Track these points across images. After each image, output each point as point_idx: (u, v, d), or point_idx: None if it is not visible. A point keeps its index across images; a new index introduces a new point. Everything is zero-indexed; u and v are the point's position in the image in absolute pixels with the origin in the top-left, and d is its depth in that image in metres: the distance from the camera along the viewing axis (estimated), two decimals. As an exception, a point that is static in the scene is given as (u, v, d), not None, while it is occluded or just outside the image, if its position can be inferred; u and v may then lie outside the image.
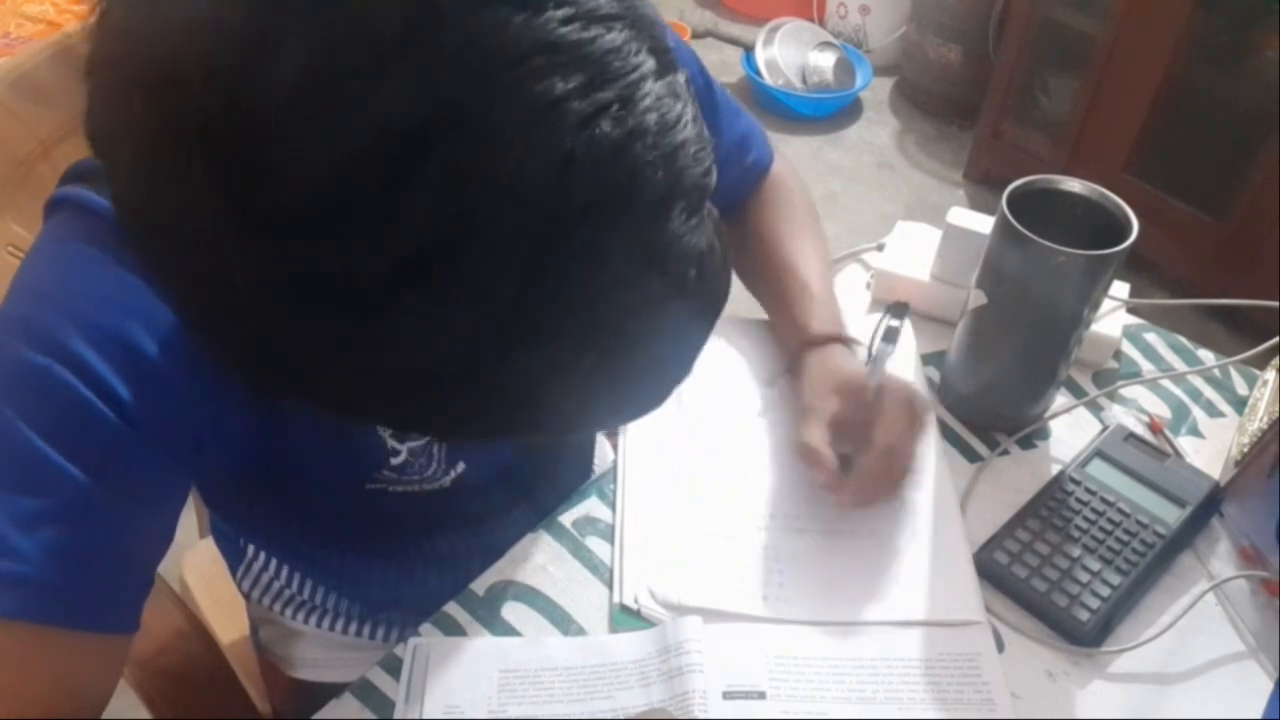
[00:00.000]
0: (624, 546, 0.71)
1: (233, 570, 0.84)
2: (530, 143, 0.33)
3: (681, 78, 0.39)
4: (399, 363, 0.37)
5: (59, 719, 0.51)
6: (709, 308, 0.42)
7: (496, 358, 0.36)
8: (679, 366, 0.43)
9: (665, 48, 0.38)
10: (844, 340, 0.77)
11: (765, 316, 0.87)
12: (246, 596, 0.85)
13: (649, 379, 0.42)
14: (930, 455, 0.78)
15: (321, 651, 0.84)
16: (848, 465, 0.72)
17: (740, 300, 0.87)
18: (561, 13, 0.34)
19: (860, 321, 0.92)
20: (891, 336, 0.79)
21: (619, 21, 0.36)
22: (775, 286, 0.82)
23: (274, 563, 0.81)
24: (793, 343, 0.79)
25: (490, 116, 0.33)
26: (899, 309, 0.79)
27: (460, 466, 0.68)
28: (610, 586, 0.70)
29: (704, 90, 0.78)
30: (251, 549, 0.81)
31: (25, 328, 0.49)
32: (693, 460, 0.77)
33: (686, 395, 0.81)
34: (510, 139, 0.33)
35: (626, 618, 0.68)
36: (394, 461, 0.64)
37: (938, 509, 0.75)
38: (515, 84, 0.33)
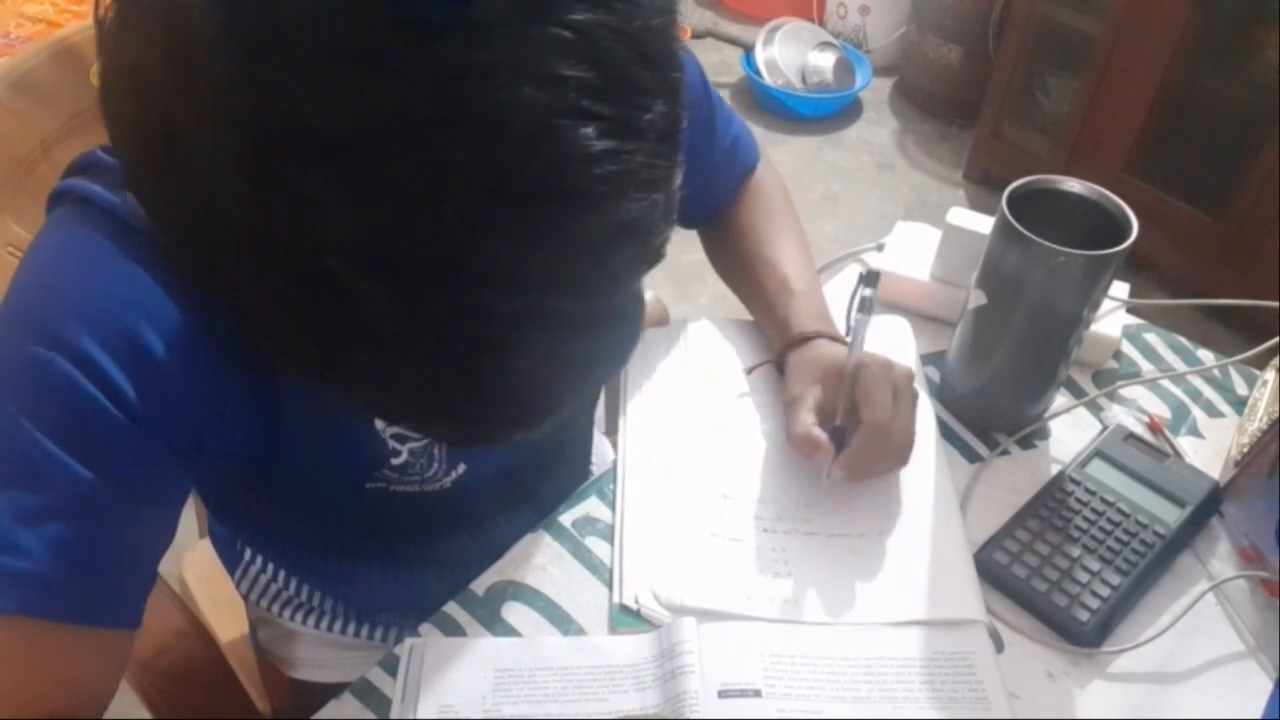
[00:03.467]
0: (624, 546, 0.71)
1: (231, 573, 0.83)
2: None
3: (679, 161, 0.41)
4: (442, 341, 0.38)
5: (62, 716, 0.51)
6: (615, 352, 0.44)
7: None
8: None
9: (679, 116, 0.40)
10: (828, 335, 0.77)
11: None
12: (245, 599, 0.85)
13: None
14: (930, 452, 0.78)
15: (321, 652, 0.84)
16: (840, 440, 0.72)
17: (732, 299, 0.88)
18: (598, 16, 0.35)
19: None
20: (866, 306, 0.78)
21: (653, 67, 0.37)
22: (757, 286, 0.83)
23: (271, 566, 0.81)
24: (778, 341, 0.79)
25: (493, 74, 0.34)
26: (871, 277, 0.79)
27: (461, 468, 0.68)
28: (610, 586, 0.70)
29: (702, 95, 0.78)
30: (249, 553, 0.81)
31: (28, 321, 0.49)
32: (692, 461, 0.77)
33: (686, 395, 0.82)
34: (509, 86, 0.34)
35: (627, 618, 0.67)
36: (395, 462, 0.64)
37: (938, 508, 0.74)
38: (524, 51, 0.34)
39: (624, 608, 0.68)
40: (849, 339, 0.76)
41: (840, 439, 0.71)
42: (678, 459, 0.77)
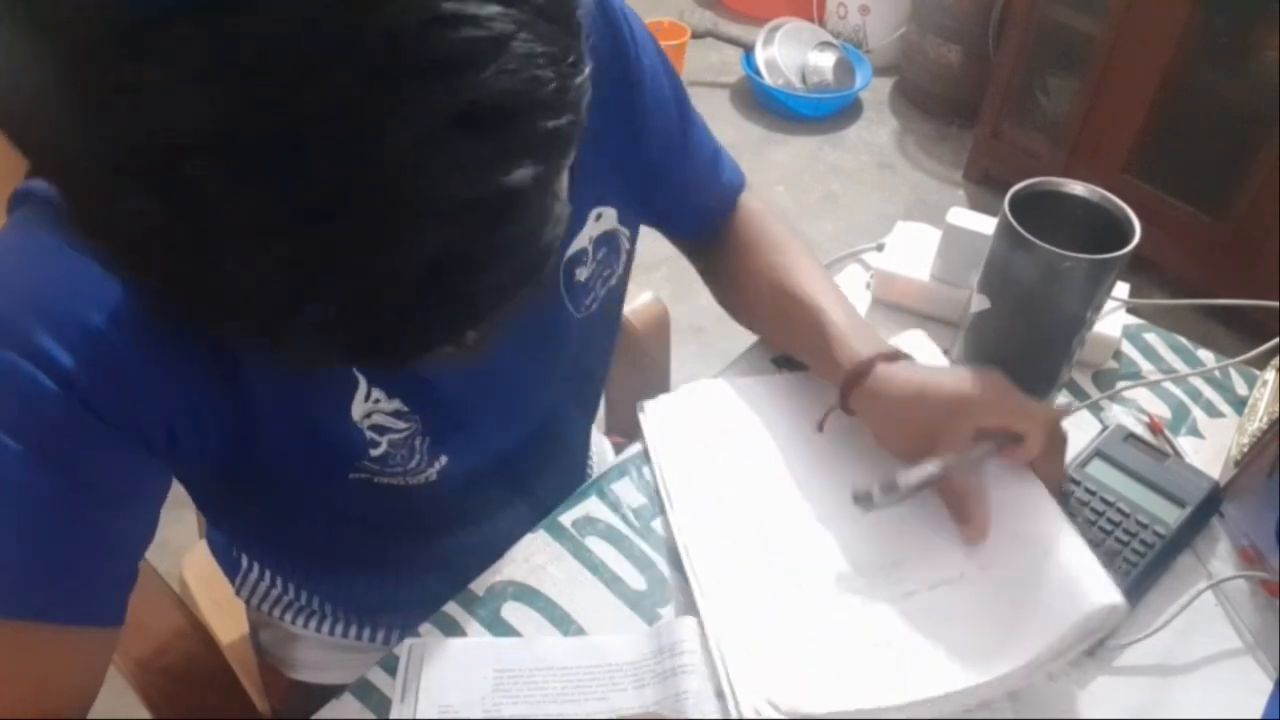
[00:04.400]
0: (724, 656, 0.63)
1: (230, 580, 0.83)
2: None
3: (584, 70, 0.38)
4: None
5: (46, 718, 0.51)
6: (498, 276, 0.39)
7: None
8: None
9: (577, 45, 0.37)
10: (895, 356, 0.70)
11: (732, 355, 0.85)
12: (246, 603, 0.85)
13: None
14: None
15: (322, 654, 0.84)
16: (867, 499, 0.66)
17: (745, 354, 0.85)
18: None
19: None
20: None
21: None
22: (800, 327, 0.75)
23: (269, 573, 0.80)
24: (837, 376, 0.71)
25: None
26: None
27: (443, 459, 0.67)
28: (720, 697, 0.62)
29: (675, 99, 0.73)
30: (245, 560, 0.81)
31: None
32: (755, 545, 0.70)
33: (722, 468, 0.75)
34: None
35: None
36: (374, 453, 0.63)
37: (1023, 503, 0.68)
38: None
39: None
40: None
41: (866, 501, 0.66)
42: (740, 545, 0.70)
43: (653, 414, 0.80)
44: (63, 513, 0.49)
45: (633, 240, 0.74)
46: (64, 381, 0.47)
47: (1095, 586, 0.62)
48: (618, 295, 0.77)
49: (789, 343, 0.80)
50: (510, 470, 0.75)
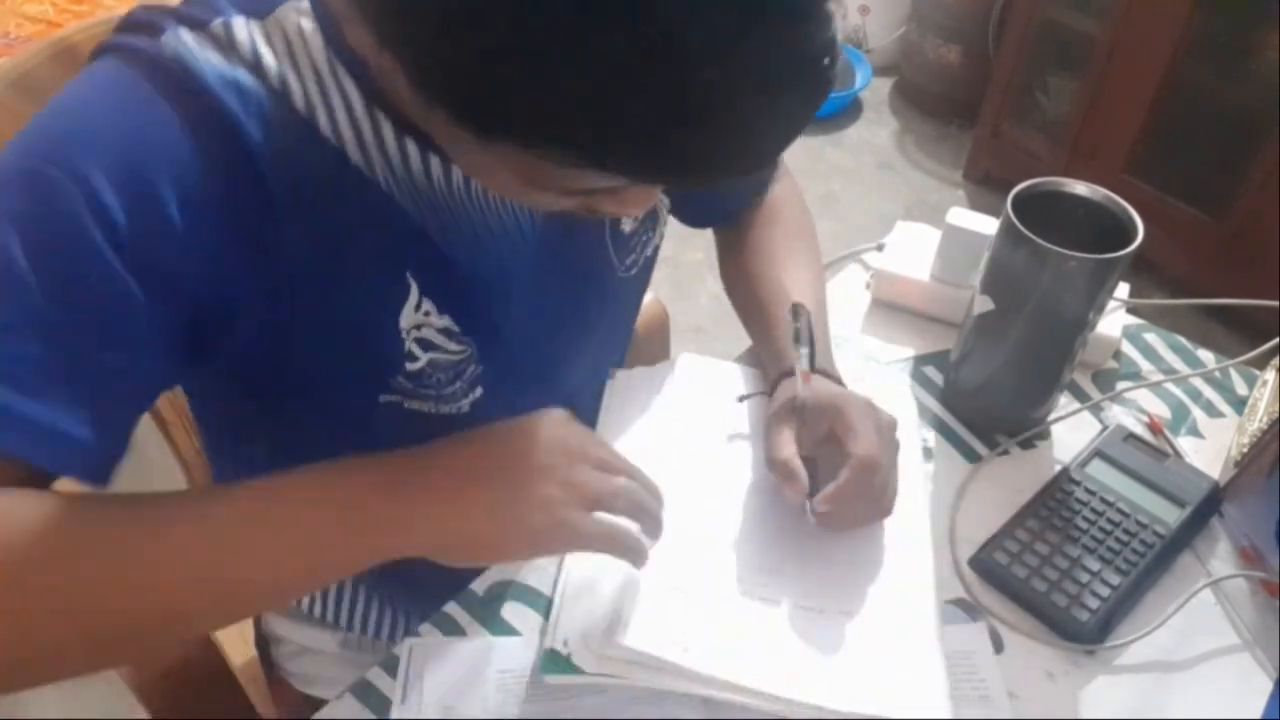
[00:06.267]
0: (566, 586, 0.66)
1: None
2: None
3: None
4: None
5: None
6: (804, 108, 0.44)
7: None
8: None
9: None
10: (822, 372, 0.72)
11: (731, 355, 0.85)
12: None
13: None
14: (917, 521, 0.72)
15: (335, 669, 0.83)
16: (813, 474, 0.67)
17: (709, 338, 0.87)
18: None
19: (859, 323, 0.93)
20: (803, 331, 0.70)
21: None
22: (761, 312, 0.79)
23: None
24: (773, 370, 0.75)
25: None
26: (795, 310, 0.71)
27: (479, 391, 0.65)
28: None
29: None
30: None
31: (46, 140, 0.49)
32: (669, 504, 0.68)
33: (671, 435, 0.76)
34: None
35: (554, 664, 0.61)
36: (410, 367, 0.61)
37: (909, 586, 0.68)
38: None
39: (553, 652, 0.61)
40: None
41: (812, 473, 0.67)
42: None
43: (620, 384, 0.81)
44: (58, 338, 0.47)
45: (666, 216, 0.76)
46: (103, 221, 0.47)
47: (928, 697, 0.61)
48: (649, 268, 0.77)
49: (751, 324, 0.83)
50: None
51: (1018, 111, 2.32)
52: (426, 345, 0.61)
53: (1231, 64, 1.96)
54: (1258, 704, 0.64)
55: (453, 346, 0.62)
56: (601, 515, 0.56)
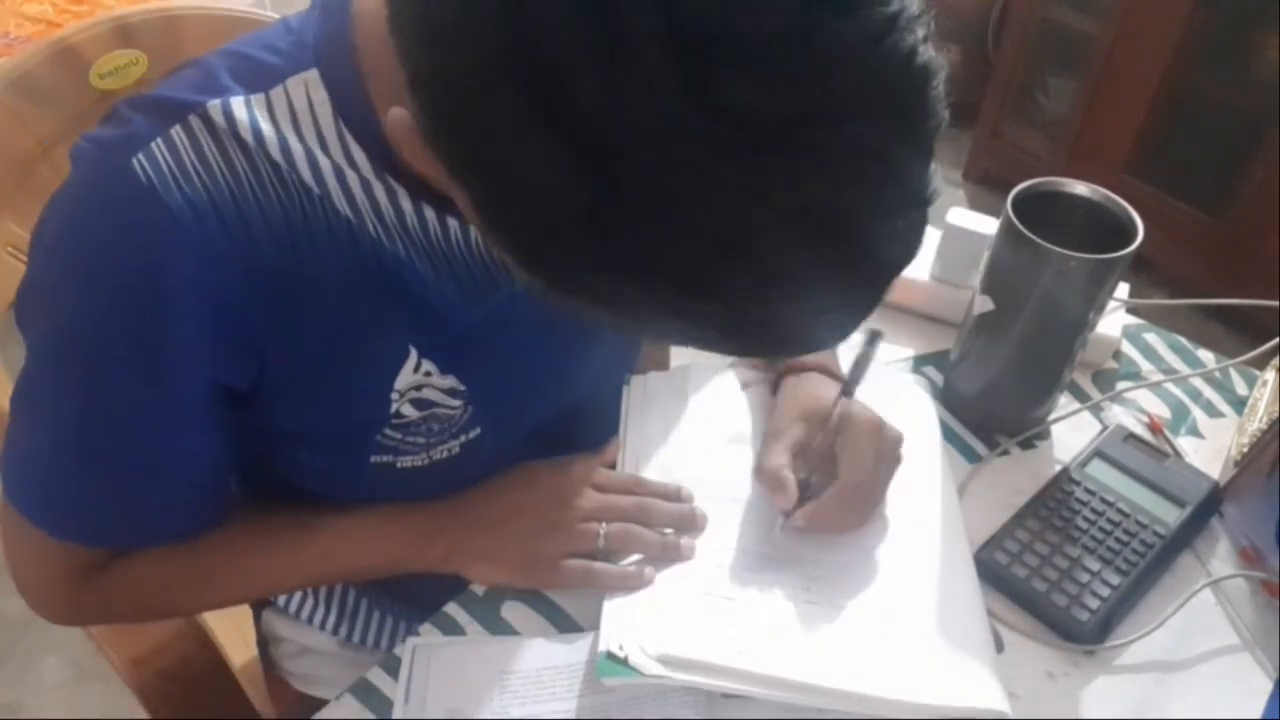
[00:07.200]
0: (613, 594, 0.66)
1: None
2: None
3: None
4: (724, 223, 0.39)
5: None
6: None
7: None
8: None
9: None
10: (826, 370, 0.74)
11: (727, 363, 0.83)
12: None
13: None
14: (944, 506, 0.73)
15: (333, 669, 0.83)
16: (806, 489, 0.68)
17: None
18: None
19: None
20: (861, 363, 0.70)
21: None
22: None
23: None
24: (776, 366, 0.77)
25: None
26: (873, 337, 0.71)
27: (476, 431, 0.66)
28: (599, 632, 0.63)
29: None
30: None
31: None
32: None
33: (684, 439, 0.77)
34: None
35: (614, 666, 0.61)
36: (396, 423, 0.62)
37: (952, 572, 0.69)
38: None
39: (610, 655, 0.61)
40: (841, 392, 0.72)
41: (806, 489, 0.68)
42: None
43: (636, 389, 0.80)
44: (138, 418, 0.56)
45: None
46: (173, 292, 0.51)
47: (982, 688, 0.61)
48: None
49: None
50: (541, 444, 0.73)
51: (1017, 111, 2.32)
52: (425, 405, 0.62)
53: (1231, 64, 1.96)
54: (1258, 704, 0.64)
55: (454, 403, 0.63)
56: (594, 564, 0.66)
